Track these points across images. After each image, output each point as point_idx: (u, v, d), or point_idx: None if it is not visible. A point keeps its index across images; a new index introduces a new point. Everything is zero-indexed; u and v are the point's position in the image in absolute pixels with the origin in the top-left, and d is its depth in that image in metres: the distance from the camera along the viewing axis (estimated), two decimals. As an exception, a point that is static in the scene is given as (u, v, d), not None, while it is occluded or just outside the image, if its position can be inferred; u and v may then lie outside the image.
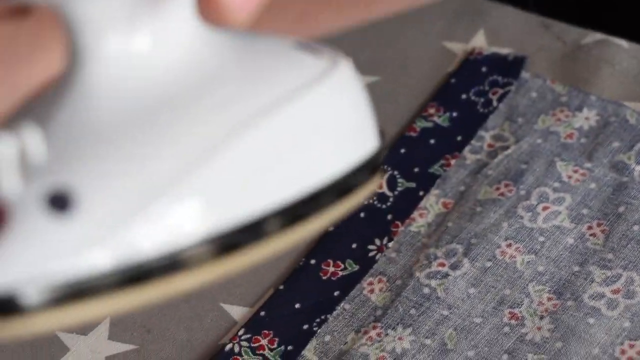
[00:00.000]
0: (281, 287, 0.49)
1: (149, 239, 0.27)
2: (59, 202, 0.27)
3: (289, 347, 0.47)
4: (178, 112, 0.29)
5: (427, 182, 0.51)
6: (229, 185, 0.28)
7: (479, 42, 0.57)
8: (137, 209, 0.27)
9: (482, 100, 0.54)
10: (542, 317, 0.45)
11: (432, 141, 0.53)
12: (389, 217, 0.51)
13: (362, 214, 0.51)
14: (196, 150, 0.28)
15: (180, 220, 0.27)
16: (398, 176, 0.52)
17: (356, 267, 0.49)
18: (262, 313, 0.48)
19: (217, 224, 0.28)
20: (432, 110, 0.54)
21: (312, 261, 0.50)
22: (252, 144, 0.28)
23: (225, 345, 0.47)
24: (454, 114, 0.54)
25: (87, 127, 0.29)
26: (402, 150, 0.53)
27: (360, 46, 0.58)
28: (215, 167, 0.28)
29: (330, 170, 0.29)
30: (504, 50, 0.56)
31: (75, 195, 0.27)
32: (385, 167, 0.53)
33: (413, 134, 0.54)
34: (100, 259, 0.27)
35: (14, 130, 0.28)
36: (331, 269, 0.49)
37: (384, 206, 0.51)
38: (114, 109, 0.29)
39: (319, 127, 0.30)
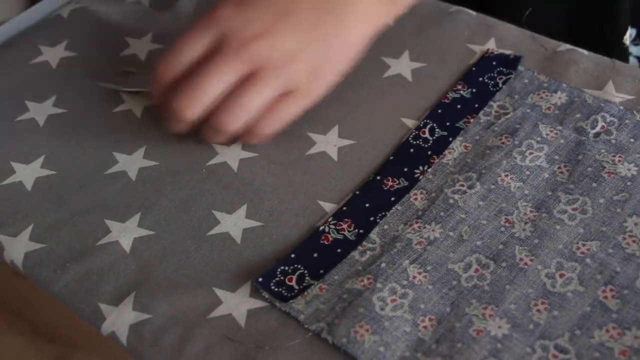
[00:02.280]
0: (357, 192, 0.50)
1: None
2: None
3: (361, 230, 0.47)
4: None
5: (454, 132, 0.52)
6: None
7: (491, 45, 0.57)
8: None
9: (492, 82, 0.55)
10: (526, 223, 0.46)
11: (459, 106, 0.53)
12: (429, 152, 0.51)
13: (411, 150, 0.51)
14: None
15: None
16: (436, 127, 0.52)
17: (406, 183, 0.50)
18: (345, 208, 0.49)
19: None
20: (459, 87, 0.55)
21: (378, 177, 0.50)
22: None
23: (319, 227, 0.48)
24: (474, 90, 0.54)
25: None
26: (439, 111, 0.53)
27: (414, 44, 0.59)
28: None
29: None
30: (507, 52, 0.56)
31: None
32: (428, 121, 0.53)
33: (447, 101, 0.54)
34: None
35: None
36: (390, 183, 0.50)
37: (426, 146, 0.52)
38: None
39: None
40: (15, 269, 0.48)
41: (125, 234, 0.48)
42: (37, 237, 0.49)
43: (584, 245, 0.45)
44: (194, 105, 0.48)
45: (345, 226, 0.48)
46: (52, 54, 0.61)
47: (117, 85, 0.56)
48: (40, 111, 0.57)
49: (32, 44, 0.62)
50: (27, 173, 0.53)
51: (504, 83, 0.54)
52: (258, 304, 0.44)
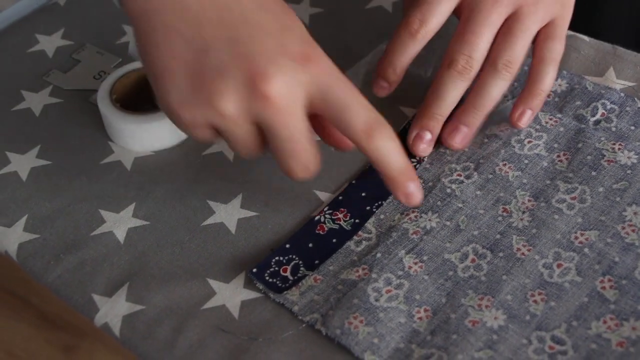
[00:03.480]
0: (354, 181, 0.49)
1: None
2: None
3: (356, 220, 0.47)
4: None
5: None
6: None
7: None
8: None
9: None
10: (524, 212, 0.46)
11: None
12: None
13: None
14: None
15: None
16: None
17: None
18: (340, 197, 0.48)
19: None
20: None
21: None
22: None
23: (315, 217, 0.47)
24: None
25: None
26: None
27: None
28: None
29: None
30: None
31: None
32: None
33: None
34: None
35: None
36: None
37: None
38: None
39: None
40: (10, 259, 0.48)
41: (120, 224, 0.48)
42: (32, 228, 0.48)
43: (582, 234, 0.44)
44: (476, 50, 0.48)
45: (341, 216, 0.47)
46: (49, 43, 0.61)
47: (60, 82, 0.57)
48: (36, 101, 0.57)
49: (28, 33, 0.62)
50: (23, 163, 0.52)
51: None
52: (252, 295, 0.44)
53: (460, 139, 0.49)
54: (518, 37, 0.48)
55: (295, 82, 0.40)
